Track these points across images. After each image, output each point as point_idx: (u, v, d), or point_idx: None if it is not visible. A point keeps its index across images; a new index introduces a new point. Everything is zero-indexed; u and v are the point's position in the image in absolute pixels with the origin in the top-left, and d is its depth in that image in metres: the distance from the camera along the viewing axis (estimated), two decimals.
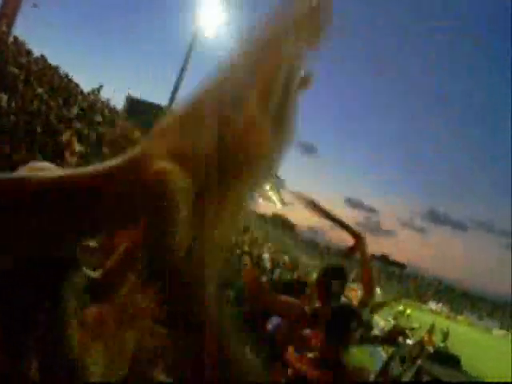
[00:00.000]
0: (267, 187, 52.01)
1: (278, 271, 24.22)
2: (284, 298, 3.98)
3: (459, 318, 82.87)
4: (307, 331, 3.36)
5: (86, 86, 23.97)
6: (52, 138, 11.35)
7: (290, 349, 3.16)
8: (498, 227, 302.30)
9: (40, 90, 15.52)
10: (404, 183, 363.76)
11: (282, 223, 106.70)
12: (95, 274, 1.58)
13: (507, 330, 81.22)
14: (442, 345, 27.70)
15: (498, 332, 77.27)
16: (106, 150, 15.12)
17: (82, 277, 1.54)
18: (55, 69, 22.71)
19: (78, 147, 12.13)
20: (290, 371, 2.99)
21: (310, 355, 2.99)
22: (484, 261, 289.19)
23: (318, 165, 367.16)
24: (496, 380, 17.19)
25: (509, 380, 22.56)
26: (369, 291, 3.82)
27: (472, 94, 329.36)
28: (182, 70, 42.58)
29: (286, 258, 37.79)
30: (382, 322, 14.23)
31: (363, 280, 3.90)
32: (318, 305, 3.77)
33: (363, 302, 3.85)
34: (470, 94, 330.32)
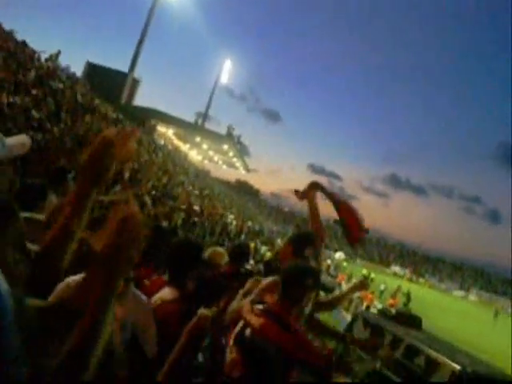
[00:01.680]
0: (231, 153, 52.00)
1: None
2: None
3: (421, 280, 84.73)
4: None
5: (44, 52, 23.25)
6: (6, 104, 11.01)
7: (246, 302, 3.10)
8: (457, 192, 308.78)
9: None
10: (365, 148, 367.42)
11: (245, 189, 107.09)
12: (35, 247, 1.58)
13: (466, 291, 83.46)
14: (404, 306, 28.37)
15: (457, 293, 79.33)
16: (64, 116, 14.78)
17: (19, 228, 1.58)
18: (9, 34, 22.04)
19: (35, 114, 11.84)
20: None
21: (260, 307, 2.92)
22: (443, 224, 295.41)
23: (281, 132, 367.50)
24: (455, 337, 17.67)
25: (467, 336, 23.34)
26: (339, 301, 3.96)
27: (434, 60, 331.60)
28: (143, 34, 41.91)
29: (250, 223, 37.82)
30: (348, 317, 14.39)
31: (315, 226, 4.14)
32: None
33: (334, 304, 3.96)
34: (431, 61, 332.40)
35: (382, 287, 35.08)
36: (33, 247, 1.63)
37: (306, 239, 3.90)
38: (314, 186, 4.29)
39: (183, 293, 3.20)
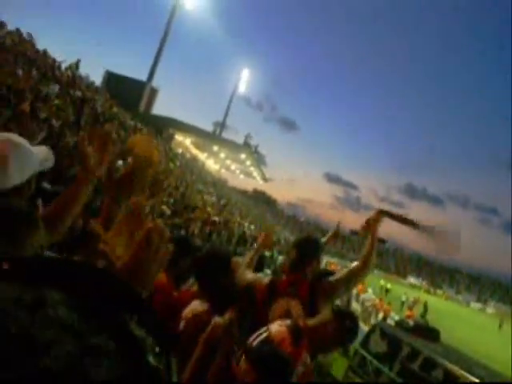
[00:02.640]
0: (248, 163, 52.07)
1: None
2: (249, 274, 3.99)
3: (438, 291, 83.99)
4: None
5: (64, 62, 23.48)
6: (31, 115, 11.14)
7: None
8: (473, 201, 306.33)
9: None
10: (382, 158, 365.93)
11: (262, 199, 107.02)
12: None
13: (484, 303, 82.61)
14: (421, 318, 28.16)
15: (475, 305, 78.51)
16: (84, 124, 14.92)
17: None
18: (31, 42, 22.28)
19: (55, 123, 11.95)
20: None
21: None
22: (460, 235, 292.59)
23: (297, 141, 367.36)
24: (472, 350, 17.53)
25: (484, 349, 23.07)
26: (365, 263, 3.81)
27: (452, 71, 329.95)
28: (161, 44, 42.20)
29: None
30: (365, 328, 14.36)
31: (365, 252, 3.87)
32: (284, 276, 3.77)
33: (354, 273, 3.84)
34: (450, 71, 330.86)
35: (404, 298, 34.87)
36: None
37: (316, 248, 3.88)
38: (380, 214, 4.01)
39: (214, 303, 3.23)
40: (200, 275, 3.56)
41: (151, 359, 1.12)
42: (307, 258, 3.70)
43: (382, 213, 4.03)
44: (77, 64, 24.77)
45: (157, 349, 1.23)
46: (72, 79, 21.14)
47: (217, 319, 2.93)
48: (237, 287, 3.58)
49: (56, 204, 1.91)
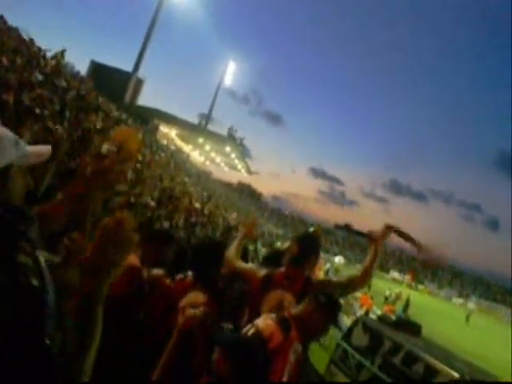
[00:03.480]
0: (233, 155, 52.06)
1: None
2: (244, 264, 4.05)
3: (420, 287, 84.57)
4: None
5: (49, 51, 23.22)
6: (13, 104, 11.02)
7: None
8: (457, 198, 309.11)
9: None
10: (367, 154, 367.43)
11: (247, 192, 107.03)
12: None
13: (465, 299, 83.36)
14: (403, 313, 28.38)
15: (456, 300, 79.20)
16: (69, 115, 14.79)
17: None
18: (15, 31, 22.06)
19: (39, 112, 11.84)
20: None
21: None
22: (443, 231, 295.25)
23: (283, 135, 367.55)
24: (454, 344, 17.71)
25: (468, 344, 23.31)
26: (365, 275, 3.91)
27: (435, 67, 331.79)
28: (148, 35, 42.00)
29: None
30: (348, 321, 14.47)
31: (366, 264, 3.98)
32: (283, 269, 3.83)
33: (353, 282, 3.92)
34: (437, 69, 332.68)
35: (388, 293, 35.11)
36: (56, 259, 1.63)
37: (315, 245, 3.96)
38: (388, 230, 4.04)
39: (212, 293, 3.26)
40: (195, 265, 3.64)
41: (33, 281, 1.18)
42: (308, 254, 3.80)
43: (390, 228, 4.05)
44: (62, 53, 24.51)
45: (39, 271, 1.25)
46: (57, 68, 20.94)
47: (191, 310, 2.93)
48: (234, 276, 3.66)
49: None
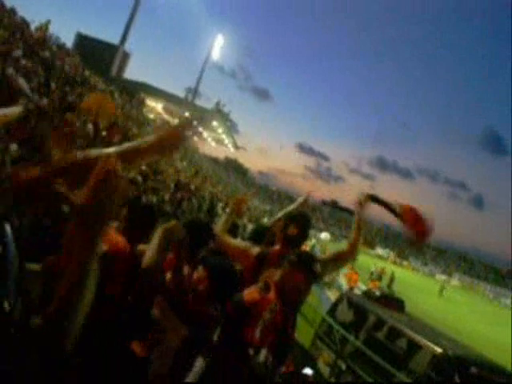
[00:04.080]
0: (220, 130, 51.83)
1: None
2: (237, 241, 4.06)
3: (404, 263, 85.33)
4: None
5: (33, 22, 22.80)
6: None
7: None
8: (443, 176, 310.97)
9: None
10: (354, 131, 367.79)
11: (234, 167, 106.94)
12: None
13: (449, 275, 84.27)
14: (387, 288, 28.67)
15: (441, 276, 80.00)
16: (54, 87, 14.63)
17: None
18: None
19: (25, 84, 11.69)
20: None
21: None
22: (429, 208, 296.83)
23: (271, 110, 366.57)
24: (437, 320, 17.93)
25: (448, 318, 23.62)
26: (353, 248, 4.00)
27: (425, 46, 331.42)
28: (135, 7, 41.46)
29: None
30: (332, 297, 14.53)
31: (352, 237, 4.04)
32: (277, 248, 3.85)
33: (342, 255, 4.01)
34: (423, 46, 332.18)
35: (373, 268, 35.36)
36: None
37: (310, 225, 3.99)
38: (367, 198, 4.15)
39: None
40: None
41: None
42: (306, 235, 3.79)
43: (369, 197, 4.15)
44: (47, 25, 24.09)
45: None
46: (42, 40, 20.64)
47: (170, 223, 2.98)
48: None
49: None
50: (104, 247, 2.84)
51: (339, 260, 4.01)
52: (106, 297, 2.43)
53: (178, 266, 3.05)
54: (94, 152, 1.54)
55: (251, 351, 2.91)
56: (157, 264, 2.61)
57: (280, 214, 4.91)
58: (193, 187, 22.36)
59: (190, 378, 2.99)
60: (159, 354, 2.56)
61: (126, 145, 1.59)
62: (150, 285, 2.66)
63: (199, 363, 3.04)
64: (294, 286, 3.13)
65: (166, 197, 15.81)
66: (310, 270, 3.20)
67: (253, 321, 2.93)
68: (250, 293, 3.05)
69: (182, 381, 2.85)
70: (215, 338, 3.10)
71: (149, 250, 2.66)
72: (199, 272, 2.95)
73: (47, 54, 19.06)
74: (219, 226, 4.12)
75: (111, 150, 1.49)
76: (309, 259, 3.27)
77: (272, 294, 3.05)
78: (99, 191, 1.29)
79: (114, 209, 1.34)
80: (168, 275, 3.08)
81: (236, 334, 2.94)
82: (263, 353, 2.96)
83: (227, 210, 4.59)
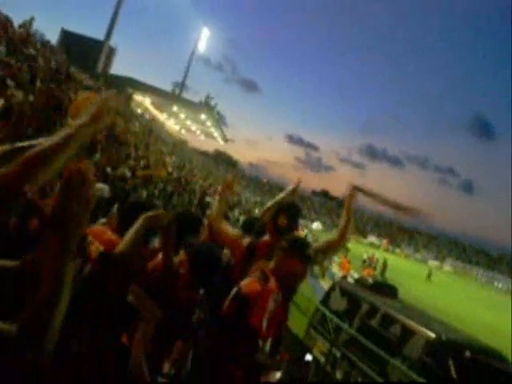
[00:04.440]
0: (209, 123, 51.69)
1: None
2: (231, 230, 4.04)
3: (397, 250, 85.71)
4: None
5: (17, 19, 22.62)
6: None
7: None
8: (432, 162, 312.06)
9: None
10: (343, 120, 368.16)
11: (224, 160, 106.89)
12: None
13: (441, 261, 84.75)
14: (380, 276, 28.80)
15: (432, 263, 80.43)
16: (40, 85, 14.51)
17: None
18: None
19: (10, 82, 11.61)
20: None
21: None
22: (419, 195, 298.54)
23: (259, 102, 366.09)
24: (430, 306, 18.01)
25: (441, 304, 23.72)
26: (341, 237, 4.03)
27: (412, 33, 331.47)
28: (119, 2, 41.18)
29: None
30: (325, 286, 14.55)
31: (341, 227, 4.06)
32: (267, 238, 3.85)
33: (332, 244, 4.04)
34: (410, 34, 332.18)
35: (365, 256, 35.48)
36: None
37: (300, 214, 3.98)
38: (353, 189, 4.18)
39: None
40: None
41: None
42: (296, 224, 3.78)
43: (354, 188, 4.17)
44: (30, 21, 23.90)
45: None
46: (25, 37, 20.46)
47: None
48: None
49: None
50: (100, 247, 2.85)
51: (329, 249, 4.02)
52: (107, 294, 2.47)
53: (165, 252, 3.03)
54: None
55: (260, 342, 2.91)
56: (129, 249, 2.58)
57: (269, 204, 4.90)
58: (183, 181, 22.32)
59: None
60: (136, 341, 2.54)
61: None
62: (124, 270, 2.63)
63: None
64: (289, 272, 3.15)
65: (156, 191, 15.78)
66: (303, 255, 3.20)
67: (256, 312, 2.91)
68: (249, 284, 3.04)
69: (160, 366, 2.82)
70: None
71: (125, 236, 2.64)
72: (180, 256, 2.95)
73: (32, 51, 18.92)
74: (214, 213, 4.14)
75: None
76: (302, 244, 3.28)
77: (272, 283, 3.05)
78: (68, 198, 1.28)
79: (86, 214, 1.33)
80: (155, 262, 3.06)
81: (242, 326, 2.90)
82: (269, 343, 2.98)
83: (216, 197, 4.60)
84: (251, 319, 2.89)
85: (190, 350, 3.23)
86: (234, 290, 3.02)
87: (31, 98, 11.32)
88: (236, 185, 4.63)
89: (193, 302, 3.04)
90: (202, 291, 3.17)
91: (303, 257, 3.20)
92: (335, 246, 4.08)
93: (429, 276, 45.46)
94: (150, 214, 2.71)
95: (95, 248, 2.77)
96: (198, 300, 3.07)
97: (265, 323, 2.90)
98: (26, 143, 1.68)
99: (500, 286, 72.32)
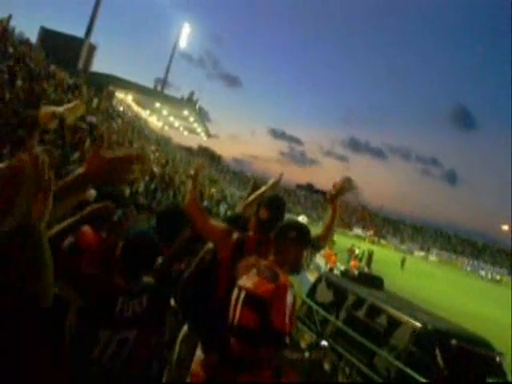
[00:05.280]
0: (191, 119, 51.53)
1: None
2: (215, 222, 4.00)
3: (382, 242, 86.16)
4: None
5: None
6: None
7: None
8: (415, 154, 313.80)
9: None
10: (325, 113, 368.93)
11: (208, 155, 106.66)
12: None
13: (427, 251, 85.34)
14: (366, 267, 28.88)
15: (418, 253, 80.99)
16: (20, 83, 14.37)
17: None
18: None
19: None
20: None
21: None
22: (403, 187, 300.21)
23: (241, 96, 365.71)
24: (416, 296, 18.11)
25: (424, 293, 23.87)
26: (327, 233, 4.16)
27: (394, 23, 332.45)
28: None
29: (214, 190, 37.57)
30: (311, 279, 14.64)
31: (327, 222, 4.19)
32: (252, 233, 3.82)
33: (317, 240, 4.04)
34: (391, 25, 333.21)
35: (357, 251, 35.41)
36: None
37: (284, 208, 3.95)
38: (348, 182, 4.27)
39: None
40: (161, 227, 3.78)
41: None
42: (278, 218, 3.73)
43: (348, 181, 4.31)
44: (8, 19, 23.60)
45: None
46: (3, 34, 20.23)
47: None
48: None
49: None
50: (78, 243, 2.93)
51: (316, 245, 4.02)
52: None
53: (107, 242, 3.08)
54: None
55: (287, 340, 2.86)
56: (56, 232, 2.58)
57: (250, 199, 4.88)
58: (167, 178, 22.22)
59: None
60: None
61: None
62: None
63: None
64: (296, 259, 3.20)
65: (140, 188, 15.69)
66: (309, 241, 3.27)
67: (277, 312, 2.86)
68: (260, 285, 2.97)
69: (86, 356, 2.72)
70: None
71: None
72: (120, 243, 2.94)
73: (10, 49, 18.72)
74: (189, 196, 3.98)
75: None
76: (307, 231, 3.31)
77: (283, 278, 3.01)
78: (22, 183, 1.28)
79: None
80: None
81: (266, 331, 2.85)
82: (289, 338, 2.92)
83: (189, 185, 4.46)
84: (274, 321, 2.84)
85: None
86: (242, 295, 3.00)
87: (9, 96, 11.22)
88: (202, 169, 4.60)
89: (117, 289, 2.82)
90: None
91: (309, 243, 3.26)
92: (321, 242, 4.13)
93: (402, 264, 45.72)
94: (96, 205, 2.77)
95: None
96: (125, 287, 2.84)
97: (287, 320, 2.87)
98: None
99: (484, 274, 73.14)
